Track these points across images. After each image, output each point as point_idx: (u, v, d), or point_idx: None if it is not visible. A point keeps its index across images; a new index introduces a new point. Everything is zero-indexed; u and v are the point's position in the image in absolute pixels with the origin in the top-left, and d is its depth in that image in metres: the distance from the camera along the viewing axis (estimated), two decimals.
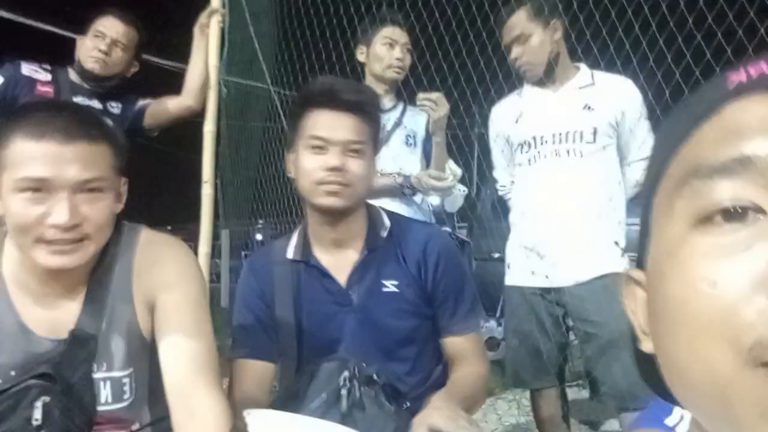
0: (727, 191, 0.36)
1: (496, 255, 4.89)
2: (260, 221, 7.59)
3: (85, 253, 1.08)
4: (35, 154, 1.02)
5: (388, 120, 2.30)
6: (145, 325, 1.19)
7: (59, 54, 2.35)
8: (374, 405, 1.30)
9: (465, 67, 2.89)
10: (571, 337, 2.20)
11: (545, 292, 2.09)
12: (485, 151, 2.14)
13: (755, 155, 0.36)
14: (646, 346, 0.44)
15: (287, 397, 1.33)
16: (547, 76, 2.11)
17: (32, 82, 2.21)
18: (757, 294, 0.34)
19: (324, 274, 1.44)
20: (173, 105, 2.46)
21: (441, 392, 1.31)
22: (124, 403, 1.18)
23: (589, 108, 2.04)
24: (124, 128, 2.31)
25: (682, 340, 0.37)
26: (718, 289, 0.35)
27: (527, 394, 2.30)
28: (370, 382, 1.32)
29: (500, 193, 2.34)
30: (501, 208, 2.46)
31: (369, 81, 2.37)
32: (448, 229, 2.76)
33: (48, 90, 2.21)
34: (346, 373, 1.31)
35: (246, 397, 1.35)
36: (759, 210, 0.36)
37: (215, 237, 2.80)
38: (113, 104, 2.31)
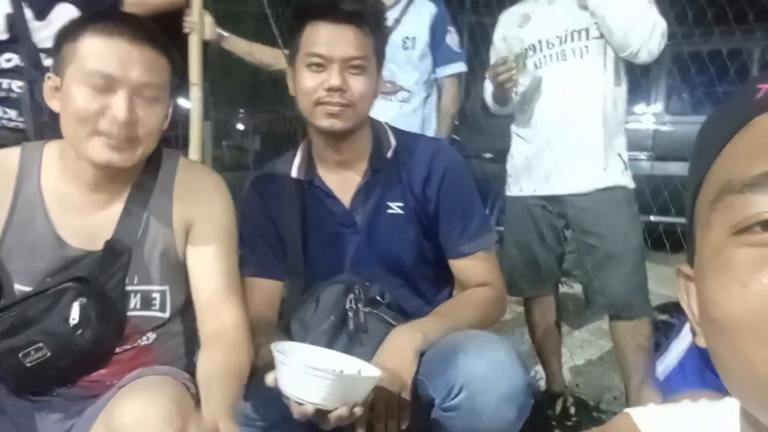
0: (762, 205, 0.38)
1: (487, 155, 4.84)
2: (241, 110, 7.37)
3: (133, 155, 1.13)
4: (105, 49, 1.08)
5: None
6: (181, 246, 1.23)
7: None
8: (379, 325, 1.30)
9: None
10: (568, 247, 2.20)
11: (547, 202, 2.07)
12: (476, 44, 1.99)
13: None
14: (700, 340, 0.45)
15: (295, 320, 1.33)
16: None
17: None
18: None
19: (328, 195, 1.40)
20: None
21: (420, 319, 1.30)
22: (153, 313, 1.22)
23: (584, 7, 1.93)
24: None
25: (724, 340, 0.39)
26: (748, 291, 0.37)
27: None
28: (375, 303, 1.33)
29: (492, 110, 2.20)
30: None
31: None
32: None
33: None
34: (351, 296, 1.31)
35: (256, 315, 1.35)
36: None
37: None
38: None
